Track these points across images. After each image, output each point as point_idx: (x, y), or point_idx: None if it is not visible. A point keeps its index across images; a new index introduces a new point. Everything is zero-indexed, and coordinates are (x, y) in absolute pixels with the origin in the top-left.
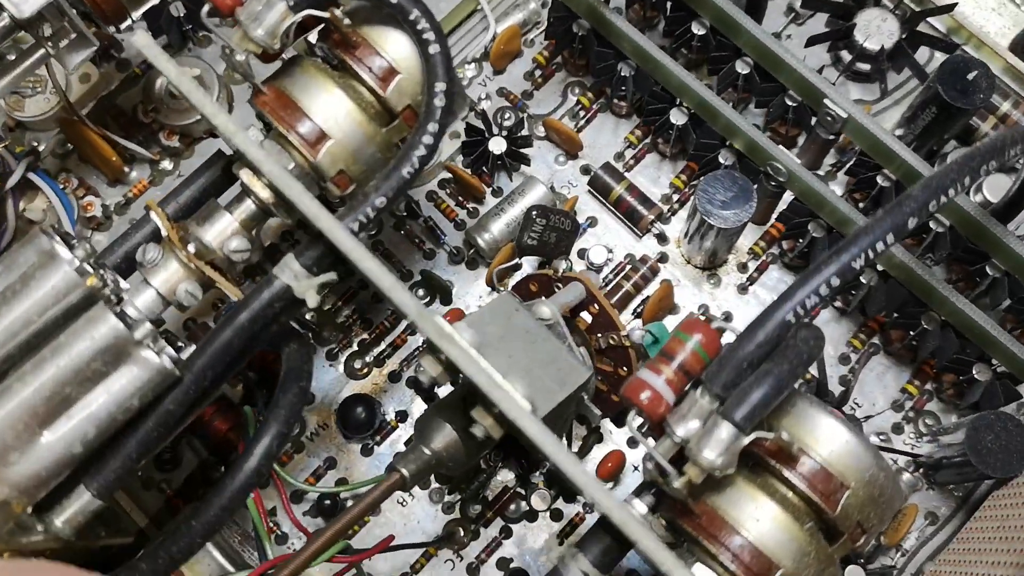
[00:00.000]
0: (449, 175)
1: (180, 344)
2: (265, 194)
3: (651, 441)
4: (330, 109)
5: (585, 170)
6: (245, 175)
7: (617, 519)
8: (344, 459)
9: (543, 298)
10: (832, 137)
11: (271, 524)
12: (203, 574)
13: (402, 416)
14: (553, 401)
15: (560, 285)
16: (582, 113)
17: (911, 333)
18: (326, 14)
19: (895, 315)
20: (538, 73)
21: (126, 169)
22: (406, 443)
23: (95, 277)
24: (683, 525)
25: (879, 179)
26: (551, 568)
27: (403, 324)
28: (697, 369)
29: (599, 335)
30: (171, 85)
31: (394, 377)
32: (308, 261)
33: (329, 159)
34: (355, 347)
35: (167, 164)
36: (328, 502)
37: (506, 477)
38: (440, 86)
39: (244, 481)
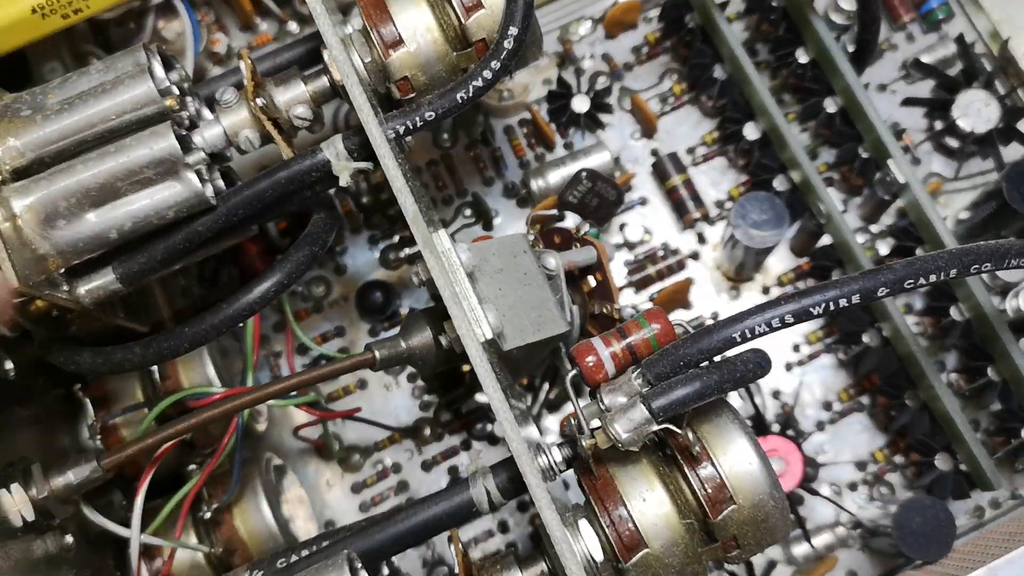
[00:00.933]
0: (530, 117)
1: None
2: (339, 76)
3: (580, 402)
4: (414, 20)
5: (654, 152)
6: (326, 54)
7: (514, 448)
8: (352, 332)
9: (554, 251)
10: (887, 198)
11: (272, 364)
12: (194, 380)
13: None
14: (522, 339)
15: (578, 245)
16: (671, 100)
17: (891, 402)
18: None
19: (883, 381)
20: (644, 50)
21: (257, 20)
22: None
23: (174, 100)
24: (583, 482)
25: (918, 251)
26: (463, 478)
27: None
28: (643, 354)
29: (596, 301)
30: None
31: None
32: (352, 145)
33: (399, 63)
34: (395, 240)
35: (293, 26)
36: (324, 362)
37: (483, 399)
38: (513, 31)
39: (236, 310)
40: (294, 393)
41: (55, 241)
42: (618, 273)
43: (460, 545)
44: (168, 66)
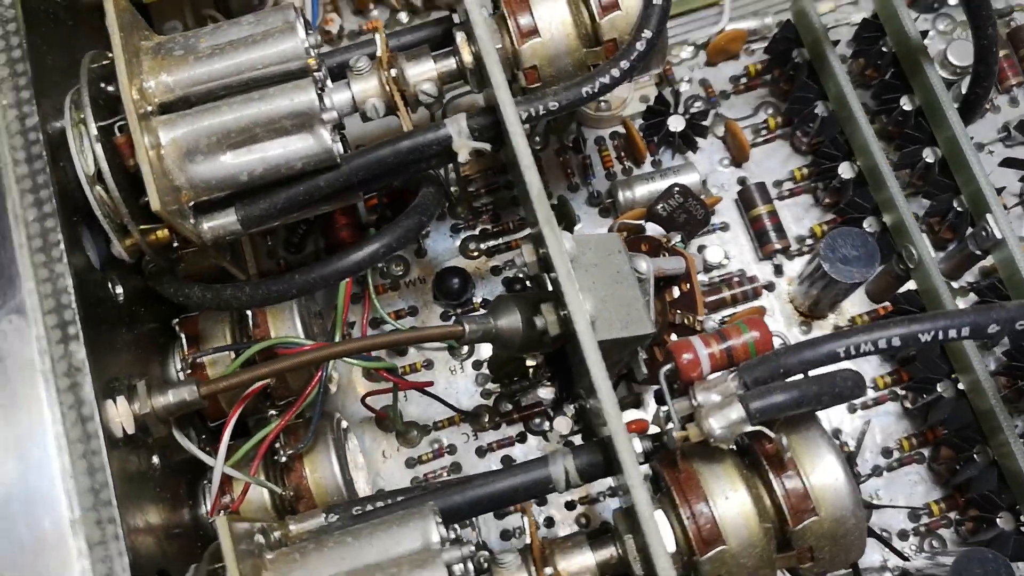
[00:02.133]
0: (623, 131)
1: None
2: (468, 58)
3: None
4: (551, 13)
5: (741, 181)
6: (459, 37)
7: (618, 438)
8: (424, 313)
9: (645, 255)
10: (978, 253)
11: (347, 333)
12: (280, 329)
13: (486, 303)
14: (610, 333)
15: (667, 253)
16: (764, 132)
17: (958, 455)
18: None
19: (952, 433)
20: (743, 80)
21: (371, 5)
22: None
23: (314, 60)
24: (664, 474)
25: None
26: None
27: (524, 232)
28: (740, 358)
29: (678, 311)
30: None
31: (495, 271)
32: (475, 124)
33: (530, 52)
34: (476, 232)
35: (403, 16)
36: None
37: (544, 395)
38: (647, 33)
39: (345, 265)
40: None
41: (191, 175)
42: None
43: (533, 517)
44: (306, 30)
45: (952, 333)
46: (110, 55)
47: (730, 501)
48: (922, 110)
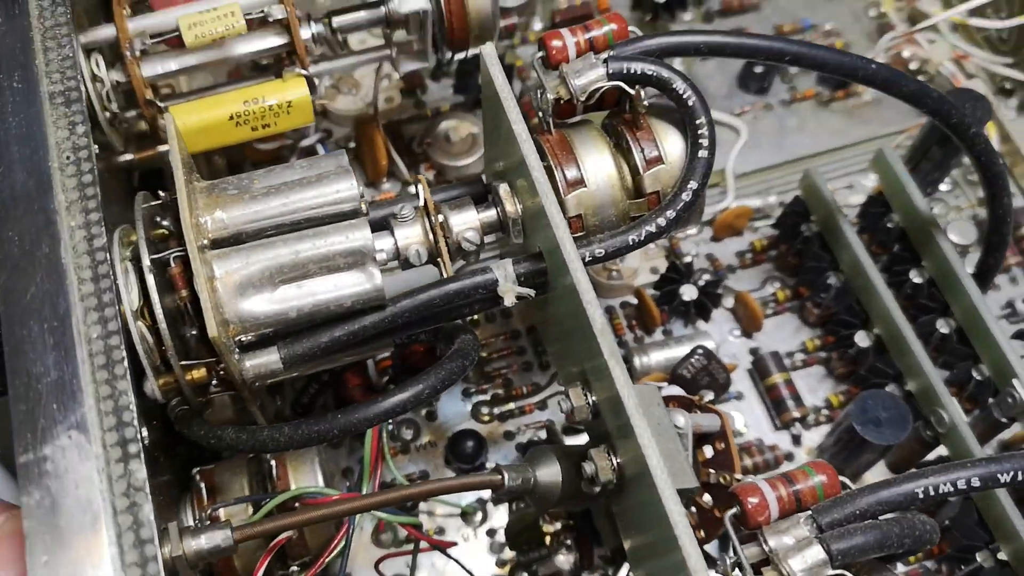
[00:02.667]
0: (634, 300)
1: None
2: (511, 208)
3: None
4: (597, 166)
5: (753, 351)
6: (503, 190)
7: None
8: (436, 477)
9: (683, 410)
10: (1004, 420)
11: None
12: (301, 481)
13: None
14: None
15: (699, 411)
16: (772, 305)
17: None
18: (631, 91)
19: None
20: (748, 256)
21: (384, 179)
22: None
23: (364, 203)
24: None
25: None
26: None
27: (537, 397)
28: (808, 502)
29: (712, 470)
30: (451, 131)
31: (508, 435)
32: (521, 270)
33: (576, 201)
34: (488, 396)
35: (413, 189)
36: (409, 503)
37: (564, 564)
38: (693, 185)
39: (390, 404)
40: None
41: (240, 308)
42: None
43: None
44: None
45: None
46: (161, 194)
47: None
48: (934, 281)
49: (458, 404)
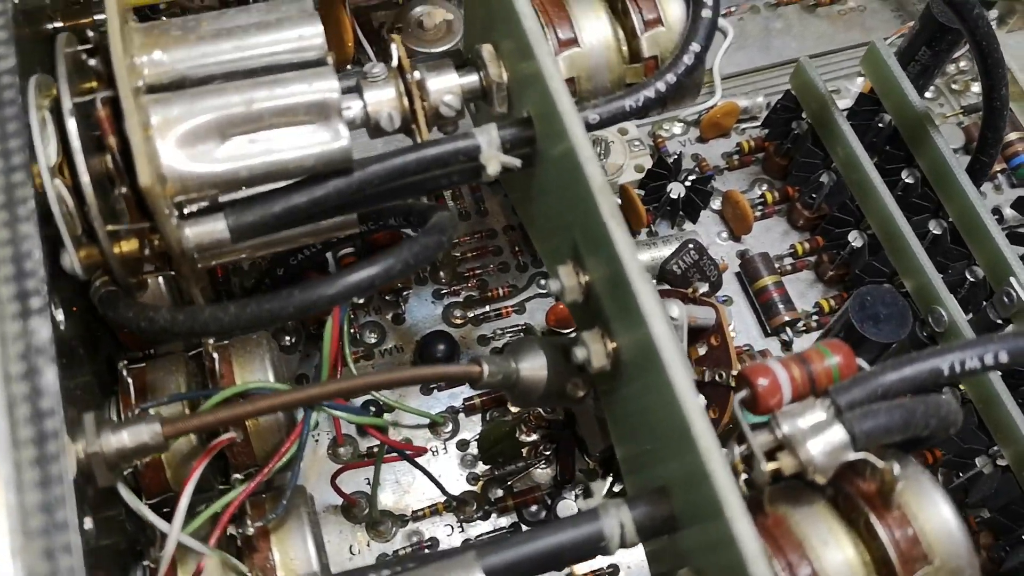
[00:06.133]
0: (618, 201)
1: None
2: (495, 71)
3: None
4: (592, 27)
5: (741, 254)
6: (486, 51)
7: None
8: (402, 387)
9: (679, 299)
10: (1000, 322)
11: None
12: (249, 377)
13: None
14: None
15: (694, 304)
16: (761, 207)
17: (1003, 538)
18: None
19: (997, 513)
20: (736, 157)
21: (350, 65)
22: (465, 399)
23: (332, 56)
24: None
25: None
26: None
27: (514, 300)
28: (823, 384)
29: (707, 368)
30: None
31: (482, 340)
32: (507, 136)
33: (569, 62)
34: (461, 298)
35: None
36: (373, 409)
37: (541, 478)
38: (695, 47)
39: (355, 282)
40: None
41: (181, 163)
42: None
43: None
44: None
45: None
46: (90, 34)
47: (830, 549)
48: (927, 181)
49: (428, 306)
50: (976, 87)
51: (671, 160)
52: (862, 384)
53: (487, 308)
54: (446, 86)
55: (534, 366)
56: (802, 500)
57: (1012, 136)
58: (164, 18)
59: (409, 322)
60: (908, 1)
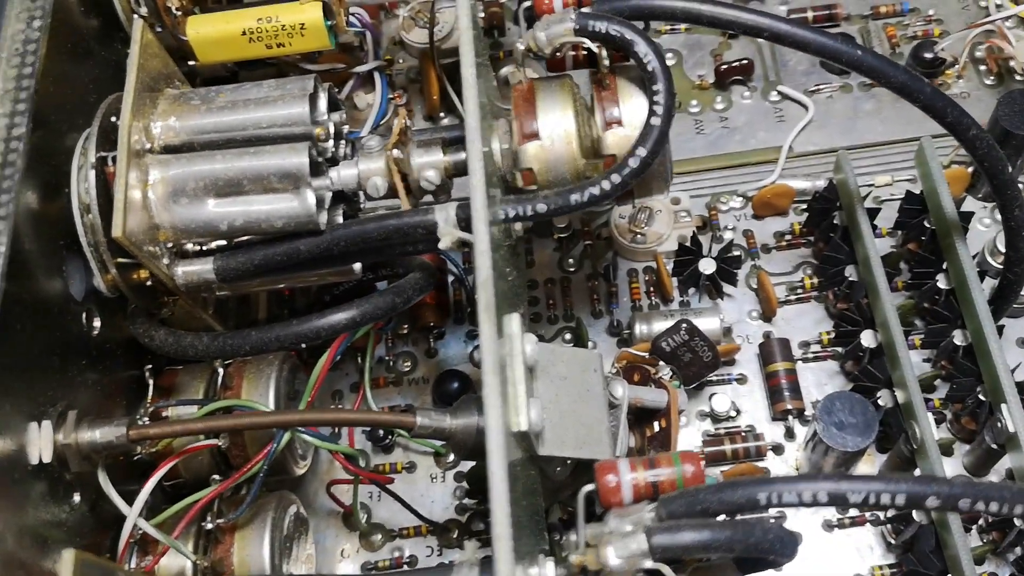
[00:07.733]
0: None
1: None
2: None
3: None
4: (556, 120)
5: (766, 335)
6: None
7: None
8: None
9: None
10: (995, 447)
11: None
12: (251, 394)
13: None
14: (560, 451)
15: (652, 385)
16: (799, 291)
17: None
18: (594, 47)
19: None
20: (787, 238)
21: (442, 114)
22: None
23: (323, 130)
24: None
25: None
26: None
27: None
28: (665, 491)
29: (652, 447)
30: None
31: None
32: (464, 214)
33: (530, 153)
34: None
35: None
36: (381, 432)
37: None
38: (641, 152)
39: (303, 329)
40: (343, 441)
41: (172, 215)
42: (691, 440)
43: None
44: (334, 107)
45: (885, 499)
46: None
47: None
48: (953, 291)
49: (459, 345)
50: None
51: (715, 235)
52: (685, 498)
53: None
54: (429, 163)
55: (467, 422)
56: None
57: None
58: None
59: (441, 357)
60: (1015, 86)
